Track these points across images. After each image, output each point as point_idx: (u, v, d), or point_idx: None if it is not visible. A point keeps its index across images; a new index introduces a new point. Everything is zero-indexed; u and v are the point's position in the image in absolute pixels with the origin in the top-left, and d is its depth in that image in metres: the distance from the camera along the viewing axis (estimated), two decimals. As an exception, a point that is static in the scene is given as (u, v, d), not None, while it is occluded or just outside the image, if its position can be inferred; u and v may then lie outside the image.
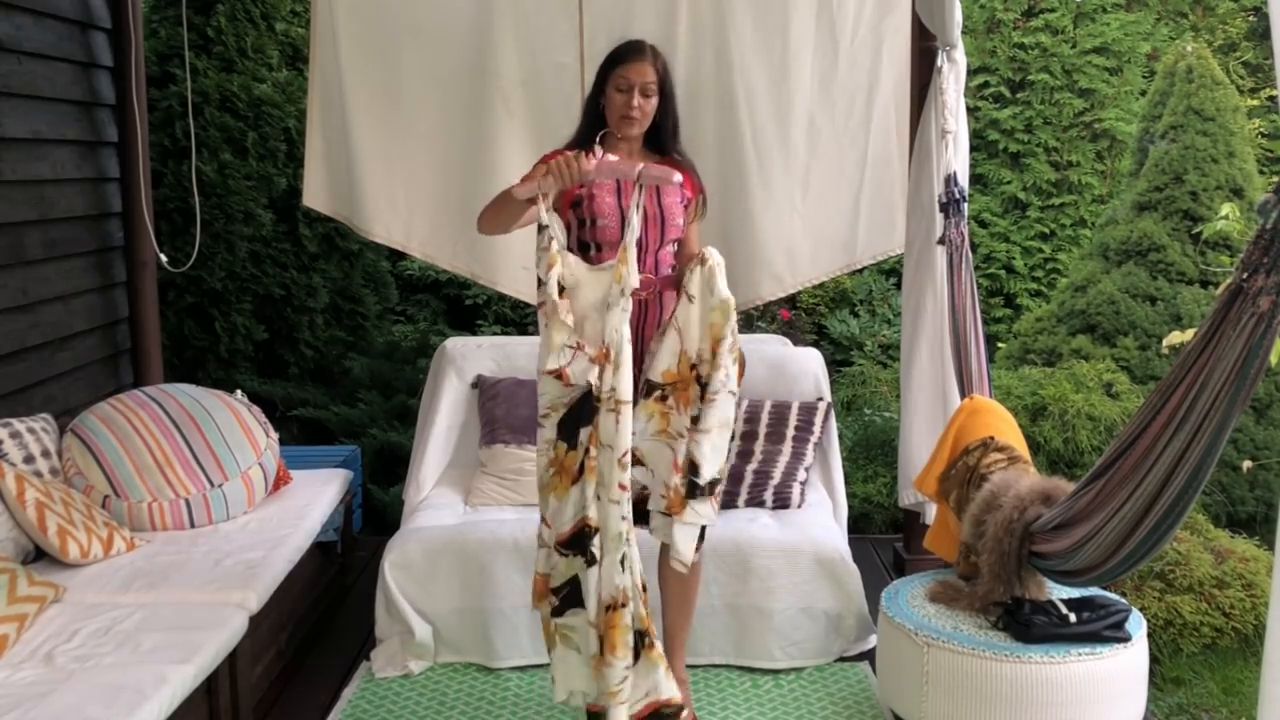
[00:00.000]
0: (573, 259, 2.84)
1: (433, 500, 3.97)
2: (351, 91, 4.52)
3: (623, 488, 2.74)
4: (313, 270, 5.70)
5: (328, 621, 4.01)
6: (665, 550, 3.09)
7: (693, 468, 2.90)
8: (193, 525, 3.65)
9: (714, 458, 2.91)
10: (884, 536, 4.84)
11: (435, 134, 4.59)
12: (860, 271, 6.42)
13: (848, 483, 4.47)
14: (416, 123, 4.57)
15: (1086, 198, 6.89)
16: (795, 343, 4.68)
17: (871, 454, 5.32)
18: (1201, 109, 5.20)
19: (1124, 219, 5.36)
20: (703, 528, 2.96)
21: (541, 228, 2.80)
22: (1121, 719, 2.97)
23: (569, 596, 2.80)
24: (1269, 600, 2.08)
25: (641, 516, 2.97)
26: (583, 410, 2.76)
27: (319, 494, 3.99)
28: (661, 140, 3.08)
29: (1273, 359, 2.17)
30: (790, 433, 4.09)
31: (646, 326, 3.04)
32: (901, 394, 4.24)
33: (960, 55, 4.02)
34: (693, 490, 2.90)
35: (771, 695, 3.48)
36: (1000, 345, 6.01)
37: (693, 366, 2.91)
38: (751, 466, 4.00)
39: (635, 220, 2.79)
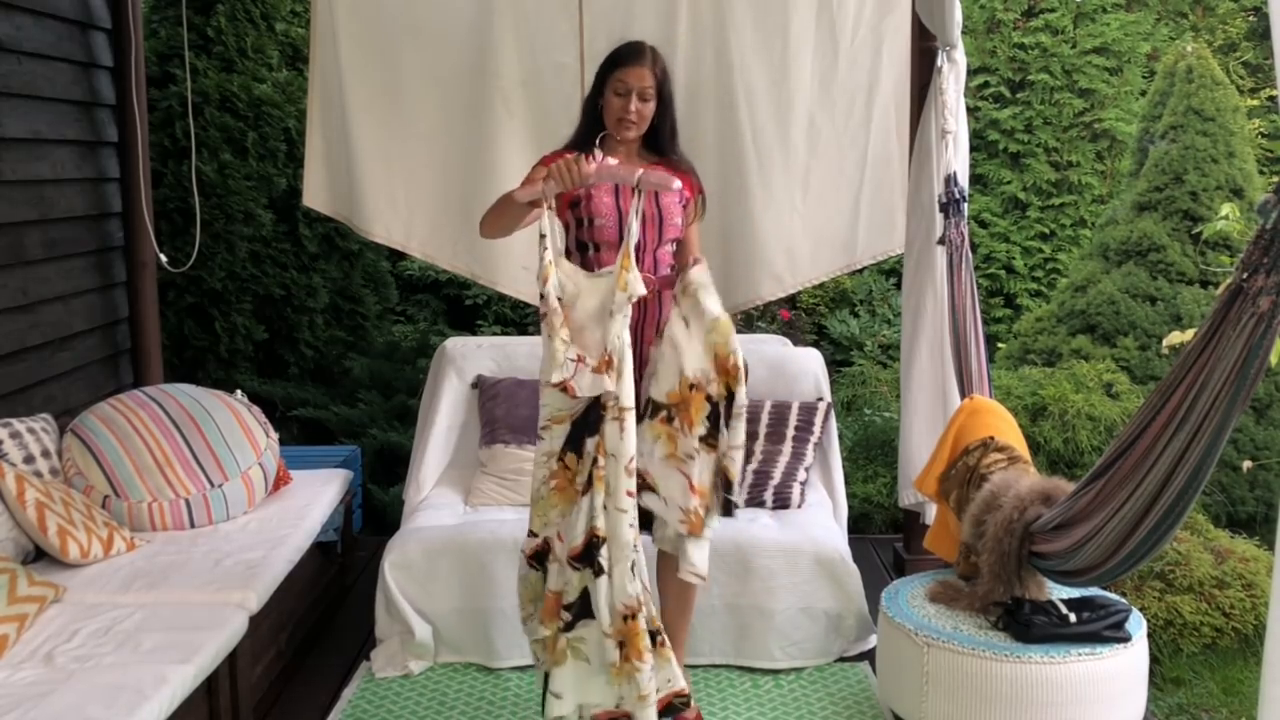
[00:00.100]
0: (570, 267, 2.83)
1: (433, 500, 3.97)
2: (351, 91, 4.52)
3: (630, 495, 2.73)
4: (313, 270, 5.70)
5: (328, 621, 4.01)
6: (663, 553, 3.09)
7: (727, 485, 2.89)
8: (193, 525, 3.65)
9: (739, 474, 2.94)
10: (884, 536, 4.84)
11: (435, 134, 4.59)
12: (860, 271, 6.41)
13: (848, 483, 4.47)
14: (416, 123, 4.57)
15: (1086, 198, 6.89)
16: (795, 343, 4.68)
17: (871, 454, 5.32)
18: (1201, 109, 5.20)
19: (1124, 219, 5.36)
20: None
21: (541, 235, 2.78)
22: (1121, 719, 2.97)
23: (580, 609, 2.76)
24: (1269, 600, 2.07)
25: (644, 523, 2.96)
26: (588, 419, 2.73)
27: (319, 494, 3.99)
28: (659, 143, 3.08)
29: (1273, 359, 2.17)
30: (790, 433, 4.09)
31: (645, 327, 3.04)
32: (901, 394, 4.24)
33: (960, 55, 4.02)
34: (728, 508, 2.91)
35: (771, 695, 3.48)
36: (1000, 345, 6.01)
37: (692, 386, 2.89)
38: (751, 466, 4.00)
39: (635, 226, 2.78)
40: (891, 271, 6.80)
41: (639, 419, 2.84)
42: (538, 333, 2.88)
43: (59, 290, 4.08)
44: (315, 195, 4.65)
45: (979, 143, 6.83)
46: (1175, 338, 3.92)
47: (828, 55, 4.53)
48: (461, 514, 3.90)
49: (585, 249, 3.02)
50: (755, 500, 3.95)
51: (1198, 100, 5.21)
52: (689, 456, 2.88)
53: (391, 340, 6.08)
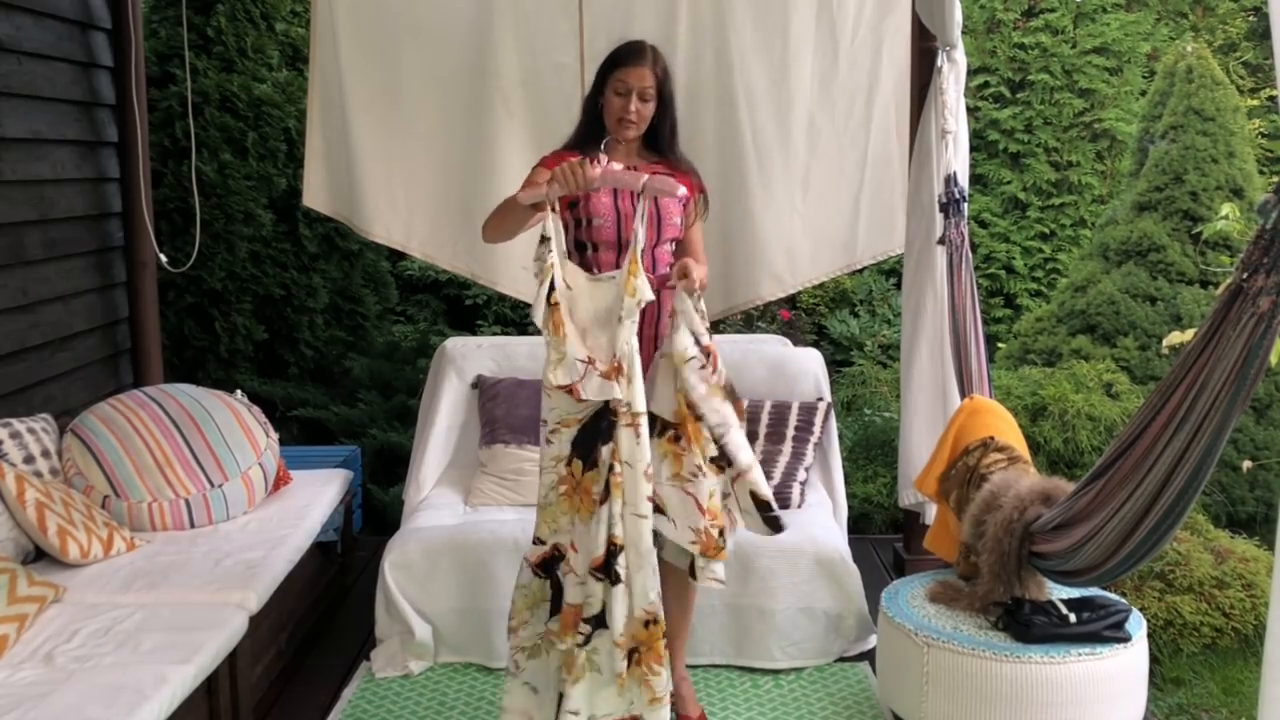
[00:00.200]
0: (573, 269, 2.82)
1: (433, 500, 3.97)
2: (351, 91, 4.52)
3: (650, 499, 2.73)
4: (313, 270, 5.70)
5: (328, 621, 4.01)
6: (661, 559, 3.09)
7: (763, 505, 2.87)
8: (193, 525, 3.65)
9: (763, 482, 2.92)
10: (884, 536, 4.84)
11: (435, 134, 4.59)
12: (860, 271, 6.42)
13: (848, 483, 4.47)
14: (416, 123, 4.57)
15: (1086, 198, 6.89)
16: (795, 343, 4.68)
17: (871, 454, 5.32)
18: (1201, 109, 5.20)
19: (1124, 219, 5.36)
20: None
21: (544, 238, 2.78)
22: (1121, 719, 2.97)
23: (598, 620, 2.72)
24: (1269, 600, 2.08)
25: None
26: (599, 427, 2.71)
27: (319, 494, 3.99)
28: (659, 143, 3.07)
29: (1273, 359, 2.17)
30: (790, 433, 4.09)
31: (644, 325, 3.03)
32: (901, 394, 4.24)
33: (960, 55, 4.02)
34: (776, 525, 2.89)
35: (771, 695, 3.48)
36: (1000, 345, 6.01)
37: (690, 406, 2.88)
38: (751, 466, 4.00)
39: (641, 232, 2.78)
40: (891, 271, 6.80)
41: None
42: (538, 333, 2.86)
43: (59, 290, 4.08)
44: (315, 195, 4.66)
45: (979, 143, 6.83)
46: (1175, 338, 3.92)
47: (828, 55, 4.53)
48: (461, 514, 3.90)
49: (584, 249, 3.01)
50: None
51: (1198, 100, 5.21)
52: (693, 476, 2.84)
53: (391, 340, 6.08)
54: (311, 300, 5.68)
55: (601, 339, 2.74)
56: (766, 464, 4.02)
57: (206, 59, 5.49)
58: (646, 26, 4.31)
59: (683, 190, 2.84)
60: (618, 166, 2.91)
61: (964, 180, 3.92)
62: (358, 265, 5.95)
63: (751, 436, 4.07)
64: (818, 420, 4.14)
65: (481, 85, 4.53)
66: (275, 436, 4.00)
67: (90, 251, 4.32)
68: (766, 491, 2.89)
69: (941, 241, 3.86)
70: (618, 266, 2.93)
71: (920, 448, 4.04)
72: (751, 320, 6.23)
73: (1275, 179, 5.39)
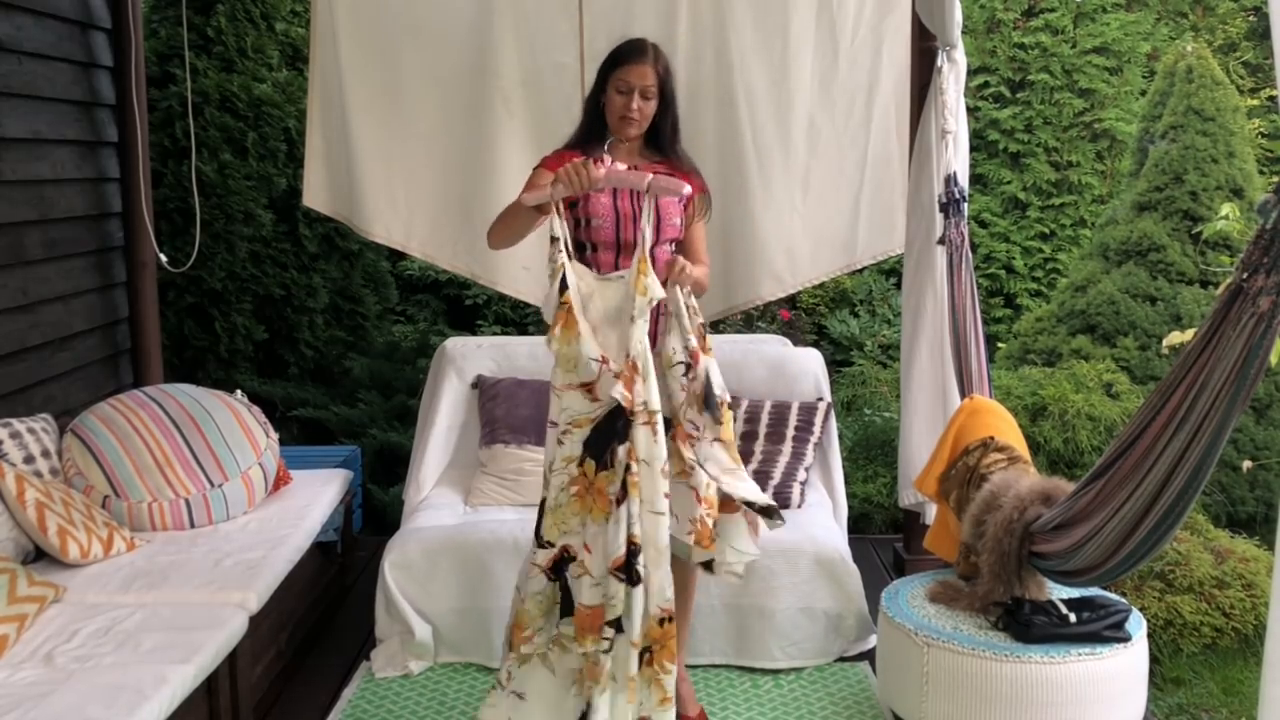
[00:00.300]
0: (580, 268, 2.82)
1: (433, 500, 3.97)
2: (351, 91, 4.52)
3: (666, 496, 2.73)
4: (313, 270, 5.70)
5: (328, 621, 4.01)
6: None
7: (751, 505, 2.87)
8: (193, 525, 3.65)
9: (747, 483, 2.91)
10: (884, 536, 4.84)
11: (435, 134, 4.59)
12: (860, 271, 6.42)
13: (848, 483, 4.47)
14: (416, 123, 4.57)
15: (1086, 198, 6.89)
16: (795, 343, 4.68)
17: (871, 454, 5.32)
18: (1201, 109, 5.20)
19: (1124, 219, 5.36)
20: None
21: (553, 239, 2.78)
22: (1121, 719, 2.97)
23: (620, 624, 2.70)
24: (1269, 600, 2.08)
25: None
26: (613, 427, 2.70)
27: (319, 494, 3.99)
28: (660, 141, 3.07)
29: (1273, 359, 2.17)
30: (790, 433, 4.09)
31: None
32: (901, 394, 4.24)
33: (960, 55, 4.02)
34: (770, 514, 2.89)
35: (771, 695, 3.48)
36: (1000, 345, 6.01)
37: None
38: (751, 466, 4.00)
39: (649, 231, 2.78)
40: (891, 271, 6.80)
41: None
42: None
43: (59, 290, 4.08)
44: (315, 195, 4.65)
45: (979, 143, 6.83)
46: (1175, 338, 3.92)
47: (828, 55, 4.53)
48: (461, 514, 3.90)
49: (583, 249, 3.01)
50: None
51: (1198, 100, 5.21)
52: (692, 468, 2.85)
53: (391, 340, 6.08)
54: (311, 300, 5.68)
55: (611, 338, 2.74)
56: (766, 464, 4.02)
57: (206, 59, 5.49)
58: (646, 26, 4.31)
59: (688, 189, 2.84)
60: (621, 167, 2.91)
61: (964, 180, 3.92)
62: (358, 265, 5.95)
63: (751, 436, 4.08)
64: (818, 420, 4.14)
65: (481, 85, 4.53)
66: (275, 436, 4.00)
67: (90, 251, 4.32)
68: (745, 494, 2.88)
69: (941, 241, 3.86)
70: (616, 267, 2.94)
71: (920, 448, 4.04)
72: (751, 320, 6.23)
73: (1275, 179, 5.39)
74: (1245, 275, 2.12)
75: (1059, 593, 3.09)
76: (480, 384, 4.28)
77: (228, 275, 5.45)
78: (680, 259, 2.87)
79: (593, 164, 2.76)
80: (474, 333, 6.46)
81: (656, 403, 2.73)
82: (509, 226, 2.97)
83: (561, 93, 4.50)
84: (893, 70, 4.52)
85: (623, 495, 2.68)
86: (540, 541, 2.81)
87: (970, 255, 3.76)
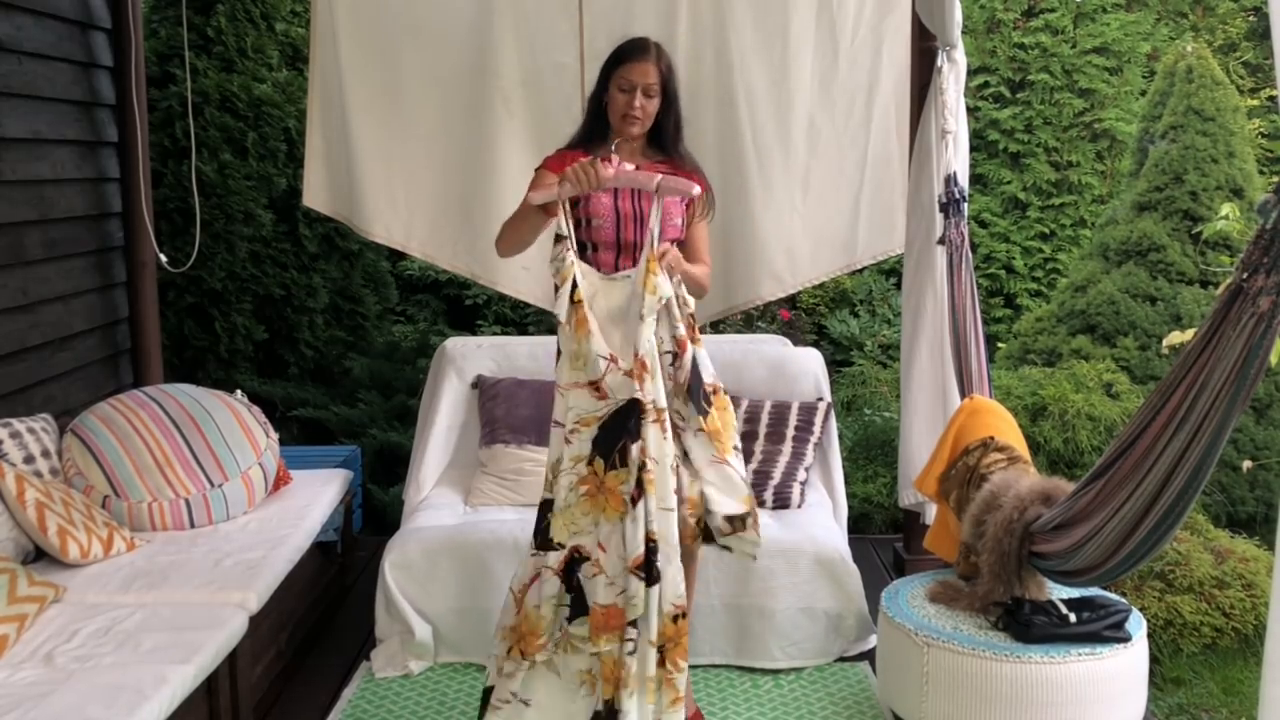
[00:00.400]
0: (586, 267, 2.83)
1: (433, 500, 3.97)
2: (351, 91, 4.52)
3: (675, 492, 2.73)
4: (313, 270, 5.70)
5: (328, 621, 4.01)
6: None
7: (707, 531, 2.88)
8: (193, 525, 3.65)
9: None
10: (884, 536, 4.84)
11: (435, 134, 4.59)
12: (860, 271, 6.41)
13: (848, 483, 4.47)
14: (416, 123, 4.57)
15: (1086, 198, 6.89)
16: (795, 343, 4.68)
17: (871, 454, 5.32)
18: (1201, 109, 5.20)
19: (1124, 219, 5.36)
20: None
21: (560, 237, 2.77)
22: (1121, 719, 2.97)
23: (637, 624, 2.70)
24: (1269, 600, 2.08)
25: None
26: (624, 425, 2.70)
27: (319, 494, 3.99)
28: (663, 140, 3.07)
29: (1273, 359, 2.17)
30: (790, 433, 4.09)
31: None
32: (901, 394, 4.24)
33: (960, 55, 4.02)
34: (709, 537, 2.89)
35: (771, 695, 3.48)
36: (1000, 345, 6.01)
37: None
38: (751, 466, 4.00)
39: (657, 230, 2.79)
40: (891, 271, 6.79)
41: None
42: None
43: (59, 290, 4.08)
44: (315, 195, 4.66)
45: (979, 143, 6.83)
46: (1175, 338, 3.92)
47: (828, 55, 4.53)
48: (461, 514, 3.90)
49: (583, 249, 3.01)
50: (756, 500, 3.94)
51: (1198, 100, 5.21)
52: (677, 464, 2.83)
53: (391, 340, 6.08)
54: (311, 300, 5.68)
55: (615, 337, 2.74)
56: (766, 464, 4.02)
57: (206, 59, 5.49)
58: (646, 26, 4.30)
59: (697, 189, 2.84)
60: (629, 167, 2.90)
61: (964, 180, 3.92)
62: (358, 265, 5.95)
63: (751, 436, 4.08)
64: (818, 420, 4.14)
65: (481, 85, 4.53)
66: (275, 436, 4.00)
67: (90, 251, 4.32)
68: (724, 509, 2.87)
69: (941, 241, 3.86)
70: (616, 267, 2.94)
71: (920, 448, 4.04)
72: (751, 320, 6.23)
73: (1275, 179, 5.39)
74: (1245, 275, 2.12)
75: (1059, 593, 3.09)
76: (480, 384, 4.28)
77: (228, 275, 5.45)
78: (669, 246, 2.86)
79: (601, 163, 2.76)
80: (474, 333, 6.46)
81: (664, 400, 2.74)
82: (517, 231, 2.97)
83: (561, 93, 4.50)
84: (893, 70, 4.52)
85: (638, 493, 2.68)
86: (544, 544, 2.80)
87: (970, 255, 3.76)
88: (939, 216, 3.91)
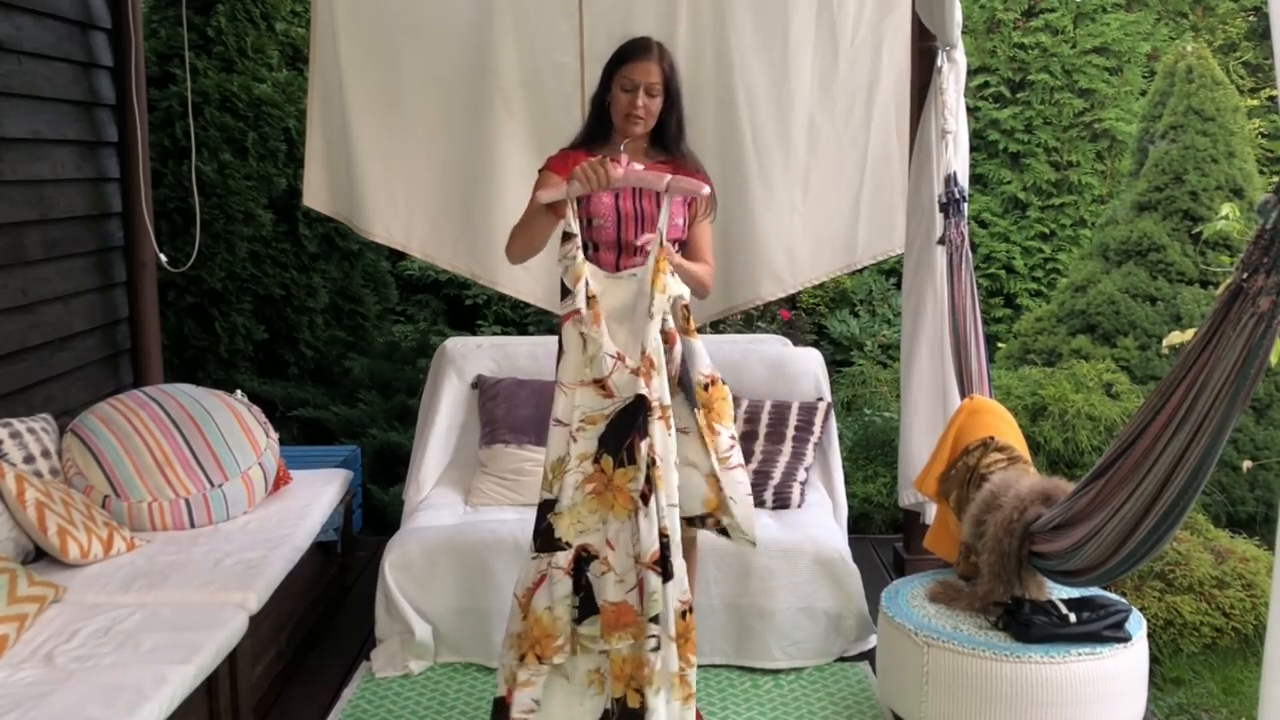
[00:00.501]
0: (592, 267, 2.83)
1: (433, 500, 3.97)
2: (351, 91, 4.52)
3: (676, 489, 2.74)
4: (313, 270, 5.70)
5: (328, 621, 4.01)
6: None
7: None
8: (193, 525, 3.65)
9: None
10: (884, 536, 4.84)
11: (435, 134, 4.59)
12: (860, 271, 6.41)
13: (848, 483, 4.47)
14: (416, 123, 4.57)
15: (1086, 198, 6.89)
16: (795, 343, 4.68)
17: (871, 454, 5.33)
18: (1201, 109, 5.20)
19: (1124, 219, 5.36)
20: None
21: (568, 235, 2.77)
22: (1121, 719, 2.97)
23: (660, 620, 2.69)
24: (1269, 600, 2.08)
25: None
26: (633, 422, 2.70)
27: (319, 494, 3.99)
28: (666, 139, 3.07)
29: (1273, 359, 2.17)
30: (790, 433, 4.09)
31: None
32: (901, 394, 4.25)
33: (960, 55, 4.02)
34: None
35: (771, 695, 3.48)
36: (1000, 345, 6.01)
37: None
38: (751, 466, 4.00)
39: (666, 230, 2.80)
40: (891, 271, 6.79)
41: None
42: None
43: (59, 290, 4.08)
44: (315, 195, 4.66)
45: (979, 143, 6.83)
46: (1175, 338, 3.92)
47: (828, 55, 4.53)
48: (461, 514, 3.90)
49: (584, 248, 3.01)
50: (756, 500, 3.92)
51: (1198, 100, 5.21)
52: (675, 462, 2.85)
53: (391, 340, 6.08)
54: (311, 300, 5.68)
55: (619, 335, 2.75)
56: (766, 464, 4.02)
57: (206, 59, 5.49)
58: (646, 26, 4.30)
59: (707, 189, 2.84)
60: (638, 167, 2.90)
61: (964, 180, 3.92)
62: (358, 265, 5.95)
63: (751, 436, 4.08)
64: (818, 420, 4.14)
65: (481, 85, 4.53)
66: (275, 436, 4.00)
67: (90, 251, 4.32)
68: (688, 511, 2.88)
69: (941, 241, 3.86)
70: (617, 267, 2.94)
71: (920, 448, 4.04)
72: (751, 320, 6.23)
73: (1275, 179, 5.38)
74: (1245, 275, 2.12)
75: (1059, 593, 3.09)
76: (480, 384, 4.28)
77: (228, 275, 5.45)
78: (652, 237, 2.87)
79: (610, 163, 2.76)
80: (474, 333, 6.46)
81: (669, 398, 2.74)
82: (527, 234, 2.96)
83: (561, 93, 4.50)
84: (893, 70, 4.52)
85: (649, 490, 2.68)
86: (545, 545, 2.77)
87: (970, 255, 3.76)
88: (939, 216, 3.92)
